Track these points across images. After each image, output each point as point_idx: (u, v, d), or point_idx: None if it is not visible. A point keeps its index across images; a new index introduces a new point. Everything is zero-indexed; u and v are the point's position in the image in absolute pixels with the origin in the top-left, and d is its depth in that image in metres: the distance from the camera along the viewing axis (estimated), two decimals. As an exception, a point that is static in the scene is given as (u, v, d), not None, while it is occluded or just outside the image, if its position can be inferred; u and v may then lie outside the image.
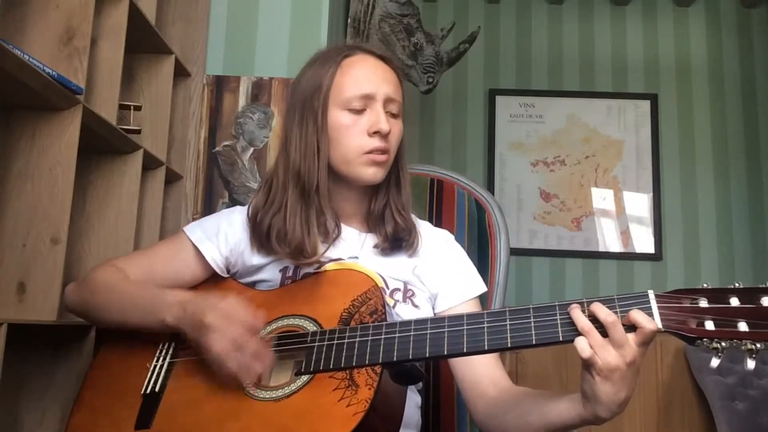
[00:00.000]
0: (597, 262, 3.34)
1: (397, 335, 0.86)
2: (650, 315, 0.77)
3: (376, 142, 1.03)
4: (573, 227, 3.37)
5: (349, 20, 2.35)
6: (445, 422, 1.25)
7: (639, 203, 3.39)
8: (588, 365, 0.78)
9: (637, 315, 0.77)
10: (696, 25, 3.56)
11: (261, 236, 1.04)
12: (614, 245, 3.35)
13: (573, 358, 2.81)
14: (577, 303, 0.81)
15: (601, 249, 3.34)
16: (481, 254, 1.32)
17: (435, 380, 1.26)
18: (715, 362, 0.76)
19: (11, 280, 1.21)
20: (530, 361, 2.71)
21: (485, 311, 0.87)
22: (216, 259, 1.08)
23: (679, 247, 3.35)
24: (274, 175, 1.07)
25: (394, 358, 0.85)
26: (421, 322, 0.87)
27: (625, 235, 3.36)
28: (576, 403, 0.83)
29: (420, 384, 1.14)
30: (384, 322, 0.89)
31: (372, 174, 1.05)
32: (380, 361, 0.85)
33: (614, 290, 3.28)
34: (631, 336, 0.77)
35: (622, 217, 3.37)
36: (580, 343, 0.78)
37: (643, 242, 3.35)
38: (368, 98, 1.04)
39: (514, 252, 3.19)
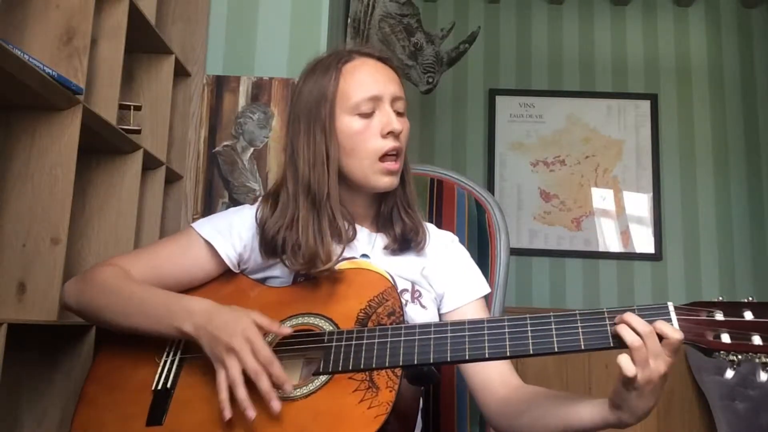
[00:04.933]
0: (597, 262, 3.34)
1: (417, 338, 0.87)
2: None
3: (390, 143, 1.03)
4: (573, 227, 3.37)
5: (349, 20, 2.35)
6: (445, 424, 1.25)
7: (639, 203, 3.39)
8: (627, 380, 0.78)
9: (663, 326, 0.79)
10: (696, 25, 3.56)
11: (271, 247, 1.03)
12: (614, 245, 3.35)
13: (573, 359, 2.80)
14: (599, 312, 0.83)
15: (601, 249, 3.34)
16: (481, 254, 1.32)
17: (438, 384, 1.26)
18: (729, 374, 0.79)
19: (11, 280, 1.21)
20: (530, 362, 2.71)
21: (506, 317, 0.87)
22: (230, 255, 1.07)
23: (679, 247, 3.35)
24: (283, 188, 1.06)
25: (415, 361, 0.85)
26: (441, 326, 0.88)
27: (625, 235, 3.36)
28: (600, 409, 0.84)
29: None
30: (403, 325, 0.89)
31: (388, 182, 1.05)
32: (401, 363, 0.85)
33: (614, 291, 3.28)
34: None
35: (622, 217, 3.37)
36: (625, 361, 0.78)
37: (643, 242, 3.35)
38: (376, 100, 1.04)
39: (514, 252, 3.19)
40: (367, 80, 1.04)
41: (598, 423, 0.84)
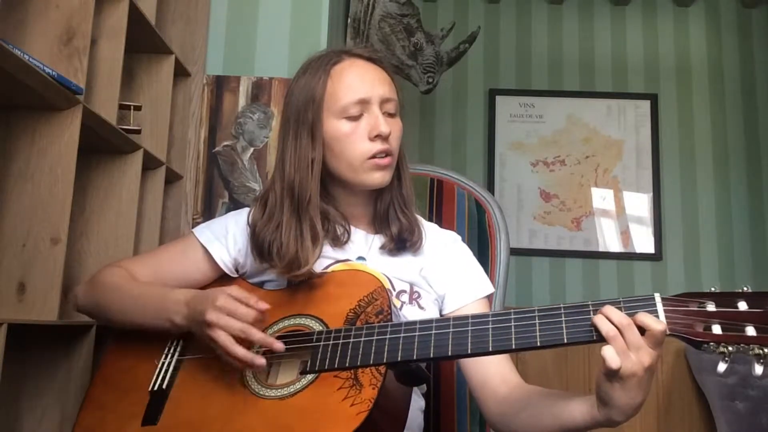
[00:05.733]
0: (597, 262, 3.34)
1: (402, 335, 0.87)
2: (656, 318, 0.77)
3: (378, 146, 1.03)
4: (573, 227, 3.37)
5: (349, 20, 2.35)
6: (445, 425, 1.25)
7: (639, 203, 3.39)
8: (611, 372, 0.77)
9: (644, 317, 0.77)
10: (696, 25, 3.56)
11: (260, 250, 1.04)
12: (614, 245, 3.35)
13: (573, 357, 2.80)
14: (584, 305, 0.81)
15: (601, 249, 3.34)
16: (481, 254, 1.32)
17: (435, 383, 1.26)
18: (722, 367, 0.76)
19: (11, 280, 1.21)
20: (530, 361, 2.72)
21: (490, 312, 0.87)
22: (225, 259, 1.08)
23: (679, 247, 3.35)
24: (271, 190, 1.07)
25: (399, 358, 0.85)
26: (426, 323, 0.88)
27: (625, 235, 3.36)
28: (590, 407, 0.83)
29: (424, 387, 1.14)
30: (389, 323, 0.89)
31: (379, 178, 1.05)
32: (384, 361, 0.85)
33: (614, 290, 3.28)
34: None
35: (622, 217, 3.37)
36: (609, 352, 0.76)
37: (643, 242, 3.35)
38: (364, 103, 1.03)
39: (514, 252, 3.18)
40: (355, 83, 1.04)
41: (588, 421, 0.83)
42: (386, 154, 1.04)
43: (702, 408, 2.67)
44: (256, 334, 0.88)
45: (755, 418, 2.55)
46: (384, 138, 1.03)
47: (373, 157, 1.03)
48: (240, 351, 0.87)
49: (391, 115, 1.06)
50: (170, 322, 0.95)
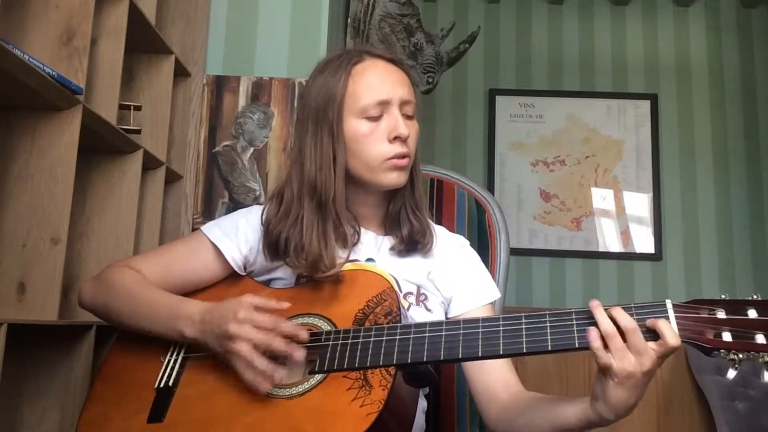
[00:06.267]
0: (597, 262, 3.34)
1: (411, 337, 0.87)
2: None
3: (397, 148, 1.03)
4: (573, 227, 3.37)
5: (349, 20, 2.35)
6: (445, 426, 1.25)
7: (639, 203, 3.39)
8: (604, 369, 0.78)
9: (663, 326, 0.77)
10: (696, 25, 3.56)
11: (276, 247, 1.03)
12: (614, 245, 3.35)
13: (573, 357, 2.79)
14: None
15: (601, 249, 3.34)
16: (481, 254, 1.31)
17: (435, 385, 1.26)
18: (731, 374, 0.76)
19: (11, 280, 1.21)
20: (531, 361, 2.71)
21: (501, 315, 0.87)
22: (235, 257, 1.07)
23: (679, 247, 3.35)
24: (287, 187, 1.06)
25: (409, 360, 0.85)
26: (436, 325, 0.88)
27: (625, 235, 3.36)
28: (584, 406, 0.83)
29: (426, 389, 1.14)
30: (399, 324, 0.89)
31: (395, 179, 1.04)
32: (394, 362, 0.85)
33: (614, 290, 3.28)
34: (651, 344, 0.77)
35: (622, 217, 3.37)
36: (598, 347, 0.78)
37: (643, 242, 3.35)
38: (385, 104, 1.03)
39: (514, 252, 3.19)
40: (376, 83, 1.03)
41: (581, 419, 0.84)
42: (404, 156, 1.04)
43: (702, 408, 2.67)
44: (278, 345, 0.87)
45: (755, 418, 2.55)
46: (403, 140, 1.03)
47: (392, 158, 1.03)
48: (263, 363, 0.86)
49: (409, 118, 1.06)
50: (179, 333, 0.94)
